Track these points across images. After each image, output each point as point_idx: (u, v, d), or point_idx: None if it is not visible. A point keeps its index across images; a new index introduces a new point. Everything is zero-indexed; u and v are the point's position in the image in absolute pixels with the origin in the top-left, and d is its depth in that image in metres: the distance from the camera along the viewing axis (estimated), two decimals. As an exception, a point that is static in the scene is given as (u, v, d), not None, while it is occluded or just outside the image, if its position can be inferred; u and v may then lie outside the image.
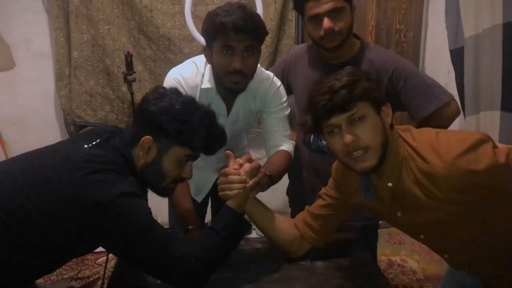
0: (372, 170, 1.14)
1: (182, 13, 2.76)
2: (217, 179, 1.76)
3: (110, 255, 2.41)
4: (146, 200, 1.28)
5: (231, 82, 1.47)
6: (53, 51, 2.94)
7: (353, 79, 1.11)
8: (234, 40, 1.40)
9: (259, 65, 1.59)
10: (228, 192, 1.29)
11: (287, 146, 1.66)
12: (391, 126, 1.19)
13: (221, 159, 1.78)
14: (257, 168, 1.34)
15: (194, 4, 2.50)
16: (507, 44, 2.04)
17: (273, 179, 1.46)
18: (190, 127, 1.18)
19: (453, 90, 2.47)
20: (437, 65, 2.86)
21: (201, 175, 1.78)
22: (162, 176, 1.23)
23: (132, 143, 1.21)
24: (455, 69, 2.43)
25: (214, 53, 1.45)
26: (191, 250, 1.20)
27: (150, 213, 1.17)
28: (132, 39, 2.91)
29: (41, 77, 2.98)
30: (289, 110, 1.69)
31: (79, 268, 2.73)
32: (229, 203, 1.30)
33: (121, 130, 1.31)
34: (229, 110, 1.62)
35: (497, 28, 2.09)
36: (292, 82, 1.78)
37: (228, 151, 1.39)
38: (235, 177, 1.30)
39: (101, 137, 1.22)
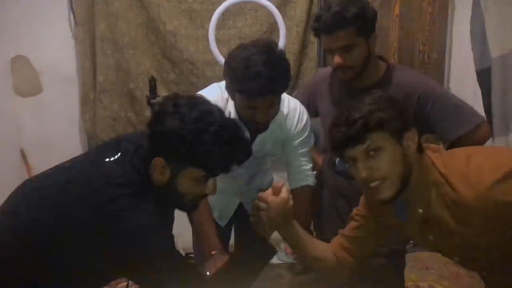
0: (390, 200, 1.12)
1: (205, 37, 2.77)
2: (240, 202, 1.80)
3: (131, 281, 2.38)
4: (170, 221, 1.25)
5: (255, 127, 1.45)
6: (79, 76, 2.99)
7: (371, 109, 1.08)
8: (258, 102, 1.37)
9: (285, 93, 1.57)
10: (251, 218, 1.25)
11: (311, 180, 1.66)
12: (420, 150, 1.15)
13: (246, 181, 1.77)
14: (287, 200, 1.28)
15: (217, 29, 2.52)
16: (536, 64, 1.99)
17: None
18: (202, 147, 1.08)
19: (480, 111, 2.41)
20: (462, 86, 2.80)
21: (224, 199, 1.76)
22: (181, 195, 1.15)
23: (146, 161, 1.14)
24: (482, 90, 2.39)
25: (237, 99, 1.41)
26: (210, 283, 1.17)
27: (170, 244, 1.14)
28: (155, 63, 2.94)
29: (67, 102, 3.02)
30: (313, 141, 1.68)
31: (101, 292, 2.70)
32: (254, 227, 1.25)
33: (138, 138, 1.21)
34: (253, 138, 1.59)
35: (525, 48, 2.05)
36: (317, 105, 1.77)
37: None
38: (263, 204, 1.24)
39: (122, 150, 1.16)
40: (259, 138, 1.60)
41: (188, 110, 1.10)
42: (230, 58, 1.40)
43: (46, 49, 2.94)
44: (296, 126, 1.62)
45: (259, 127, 1.47)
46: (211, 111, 1.13)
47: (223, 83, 1.58)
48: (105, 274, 1.19)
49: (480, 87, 2.40)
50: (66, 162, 1.23)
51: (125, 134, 1.27)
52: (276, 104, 1.43)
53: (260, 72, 1.31)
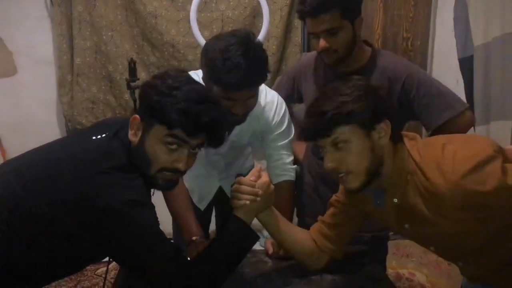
0: (358, 191, 1.13)
1: (186, 19, 2.73)
2: (220, 186, 1.78)
3: (110, 266, 2.35)
4: (153, 207, 1.23)
5: (233, 119, 1.41)
6: (55, 58, 2.93)
7: (342, 101, 1.07)
8: (235, 95, 1.33)
9: (263, 84, 1.53)
10: (235, 201, 1.24)
11: (291, 174, 1.64)
12: (399, 138, 1.14)
13: (223, 168, 1.76)
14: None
15: (198, 11, 2.47)
16: (518, 52, 2.00)
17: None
18: (169, 99, 1.05)
19: (462, 99, 2.44)
20: (445, 74, 2.82)
21: (204, 182, 1.76)
22: (148, 160, 1.09)
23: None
24: (464, 78, 2.40)
25: (214, 90, 1.35)
26: (194, 265, 1.15)
27: (156, 224, 1.11)
28: (135, 45, 2.88)
29: (43, 84, 2.96)
30: (292, 133, 1.65)
31: (78, 279, 2.67)
32: (237, 212, 1.24)
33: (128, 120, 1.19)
34: (230, 129, 1.57)
35: (508, 37, 2.06)
36: (303, 90, 1.74)
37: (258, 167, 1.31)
38: (247, 188, 1.24)
39: (111, 129, 1.14)
40: (237, 129, 1.57)
41: (174, 73, 1.11)
42: (207, 48, 1.36)
43: (21, 29, 2.87)
44: (274, 118, 1.59)
45: (237, 119, 1.43)
46: (194, 81, 1.14)
47: (200, 71, 1.54)
48: (90, 254, 1.16)
49: (463, 75, 2.41)
50: (49, 143, 1.20)
51: (110, 118, 1.23)
52: (254, 96, 1.40)
53: (238, 65, 1.27)
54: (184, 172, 1.15)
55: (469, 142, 1.10)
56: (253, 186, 1.24)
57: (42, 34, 2.89)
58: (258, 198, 1.24)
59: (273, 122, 1.59)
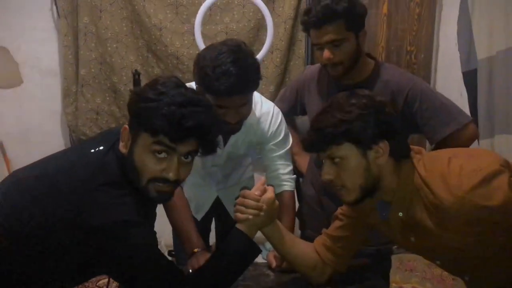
0: (355, 204, 1.15)
1: (190, 32, 2.75)
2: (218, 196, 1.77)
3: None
4: (151, 219, 1.22)
5: (227, 128, 1.41)
6: (60, 68, 2.94)
7: (343, 119, 1.08)
8: (227, 102, 1.32)
9: (259, 95, 1.54)
10: (238, 215, 1.24)
11: (289, 184, 1.63)
12: (404, 154, 1.14)
13: (221, 179, 1.76)
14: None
15: (203, 23, 2.48)
16: (522, 67, 2.00)
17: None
18: (154, 105, 0.99)
19: (465, 112, 2.43)
20: (449, 87, 2.81)
21: (200, 192, 1.75)
22: (137, 171, 1.05)
23: None
24: (468, 92, 2.40)
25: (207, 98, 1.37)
26: (196, 278, 1.14)
27: (149, 243, 1.09)
28: (140, 57, 2.90)
29: (48, 94, 2.98)
30: (290, 143, 1.65)
31: (80, 290, 2.64)
32: (240, 226, 1.23)
33: None
34: (226, 140, 1.57)
35: (512, 50, 2.06)
36: (306, 102, 1.74)
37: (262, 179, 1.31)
38: (252, 203, 1.23)
39: (109, 141, 1.12)
40: (232, 139, 1.57)
41: (163, 79, 1.06)
42: (199, 58, 1.37)
43: (27, 40, 2.90)
44: (269, 129, 1.58)
45: (232, 127, 1.43)
46: (184, 84, 1.08)
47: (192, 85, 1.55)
48: (85, 270, 1.15)
49: (466, 89, 2.41)
50: (52, 154, 1.20)
51: (112, 128, 1.19)
52: (247, 104, 1.39)
53: (227, 71, 1.27)
54: (177, 182, 1.09)
55: (475, 156, 1.09)
56: (258, 201, 1.24)
57: (48, 45, 2.92)
58: (262, 213, 1.23)
59: (269, 133, 1.58)
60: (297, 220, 1.89)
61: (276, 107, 1.62)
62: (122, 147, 1.08)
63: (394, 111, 1.14)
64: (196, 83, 1.39)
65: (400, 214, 1.14)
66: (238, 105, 1.36)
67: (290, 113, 1.78)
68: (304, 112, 1.79)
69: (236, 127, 1.44)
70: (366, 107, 1.10)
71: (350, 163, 1.10)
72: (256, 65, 1.37)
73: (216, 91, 1.29)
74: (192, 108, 1.02)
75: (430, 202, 1.07)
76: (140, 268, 1.06)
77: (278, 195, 1.58)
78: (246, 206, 1.23)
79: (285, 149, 1.63)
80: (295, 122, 1.91)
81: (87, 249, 1.03)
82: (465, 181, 1.00)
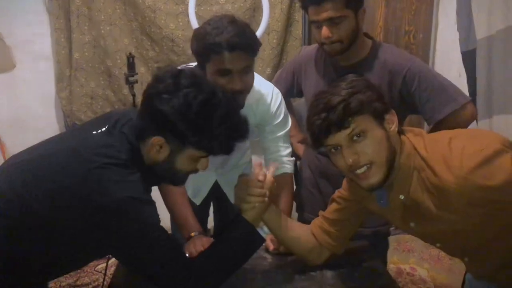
0: (378, 186, 1.09)
1: (185, 13, 2.69)
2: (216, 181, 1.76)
3: (110, 261, 2.34)
4: (154, 203, 1.23)
5: None
6: (53, 52, 2.89)
7: (350, 92, 1.05)
8: (229, 61, 1.31)
9: (258, 75, 1.52)
10: (244, 205, 1.22)
11: (288, 167, 1.61)
12: (400, 132, 1.12)
13: (220, 163, 1.73)
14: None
15: (198, 4, 2.44)
16: (522, 46, 1.97)
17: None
18: (208, 132, 1.06)
19: (464, 93, 2.41)
20: (447, 67, 2.79)
21: (199, 176, 1.71)
22: (175, 173, 1.14)
23: (140, 136, 1.10)
24: (466, 72, 2.37)
25: (209, 74, 1.35)
26: (198, 264, 1.13)
27: (156, 221, 1.09)
28: (134, 40, 2.85)
29: (41, 78, 2.93)
30: (290, 124, 1.63)
31: (78, 275, 2.65)
32: (246, 215, 1.21)
33: (129, 113, 1.18)
34: None
35: (511, 30, 2.02)
36: (303, 84, 1.72)
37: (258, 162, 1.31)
38: (257, 190, 1.22)
39: (110, 123, 1.13)
40: None
41: (193, 91, 1.05)
42: (195, 31, 1.39)
43: (19, 24, 2.83)
44: (269, 110, 1.56)
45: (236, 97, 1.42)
46: (215, 92, 1.09)
47: (192, 65, 1.52)
48: (89, 251, 1.15)
49: (465, 69, 2.38)
50: (50, 138, 1.20)
51: (112, 111, 1.21)
52: (249, 70, 1.38)
53: (227, 29, 1.30)
54: None
55: (477, 137, 1.08)
56: (261, 187, 1.22)
57: (40, 28, 2.86)
58: (266, 199, 1.22)
59: (269, 114, 1.56)
60: (294, 202, 1.89)
61: (275, 88, 1.61)
62: (155, 153, 1.10)
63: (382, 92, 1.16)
64: (195, 55, 1.38)
65: (401, 197, 1.12)
66: (241, 67, 1.34)
67: (287, 95, 1.76)
68: (300, 94, 1.77)
69: (241, 100, 1.41)
70: (365, 82, 1.10)
71: (373, 135, 1.06)
72: (253, 32, 1.39)
73: (218, 45, 1.29)
74: (238, 127, 1.12)
75: (432, 183, 1.05)
76: (146, 247, 1.06)
77: (277, 177, 1.57)
78: (251, 194, 1.21)
79: (285, 130, 1.61)
80: (291, 104, 1.89)
81: (93, 228, 1.03)
82: (466, 161, 0.99)
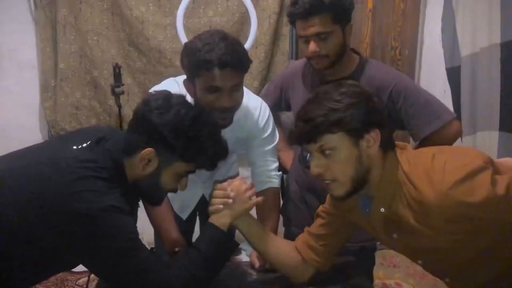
0: (342, 199, 1.12)
1: (173, 25, 2.69)
2: (203, 195, 1.75)
3: (92, 276, 2.29)
4: (135, 216, 1.22)
5: (219, 119, 1.38)
6: (39, 62, 2.87)
7: (331, 108, 1.05)
8: (220, 78, 1.31)
9: (246, 89, 1.51)
10: (210, 207, 1.25)
11: (275, 181, 1.60)
12: (390, 146, 1.12)
13: (207, 177, 1.70)
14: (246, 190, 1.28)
15: (186, 17, 2.44)
16: (505, 63, 2.01)
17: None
18: (198, 145, 1.12)
19: (449, 109, 2.44)
20: (433, 83, 2.82)
21: (186, 191, 1.69)
22: (158, 188, 1.17)
23: (127, 150, 1.13)
24: (451, 88, 2.41)
25: (198, 89, 1.36)
26: (173, 272, 1.13)
27: (136, 232, 1.10)
28: (121, 50, 2.84)
29: (26, 88, 2.90)
30: (277, 138, 1.63)
31: (59, 289, 2.59)
32: (211, 218, 1.24)
33: (115, 132, 1.22)
34: None
35: (495, 47, 2.06)
36: (291, 98, 1.72)
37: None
38: (219, 192, 1.25)
39: (92, 139, 1.14)
40: None
41: (184, 108, 1.12)
42: (186, 44, 1.39)
43: (4, 33, 2.83)
44: (258, 124, 1.56)
45: (223, 119, 1.40)
46: (203, 110, 1.19)
47: (180, 78, 1.52)
48: (66, 260, 1.13)
49: (450, 85, 2.42)
50: (26, 148, 1.19)
51: (91, 126, 1.24)
52: (239, 88, 1.38)
53: (218, 45, 1.30)
54: None
55: (459, 153, 1.09)
56: (225, 189, 1.24)
57: (26, 37, 2.84)
58: (230, 200, 1.23)
59: (257, 128, 1.56)
60: (281, 217, 1.88)
61: (263, 102, 1.60)
62: (143, 166, 1.12)
63: (380, 102, 1.15)
64: (185, 70, 1.38)
65: (382, 209, 1.12)
66: (231, 84, 1.34)
67: (275, 108, 1.76)
68: (288, 108, 1.77)
69: (227, 118, 1.42)
70: (356, 95, 1.08)
71: (342, 154, 1.07)
72: (244, 49, 1.39)
73: (209, 62, 1.29)
74: (223, 145, 1.19)
75: (412, 198, 1.05)
76: (122, 256, 1.05)
77: (264, 192, 1.57)
78: (215, 197, 1.24)
79: (273, 145, 1.61)
80: (279, 118, 1.89)
81: (71, 235, 1.02)
82: (448, 176, 1.00)
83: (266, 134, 1.58)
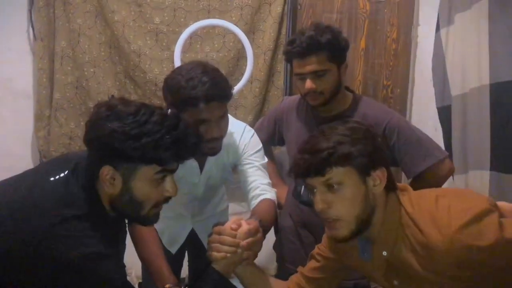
0: (344, 241, 1.07)
1: (170, 59, 2.74)
2: (193, 229, 1.71)
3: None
4: (122, 246, 1.19)
5: (209, 148, 1.40)
6: (34, 91, 2.87)
7: (340, 141, 1.03)
8: (206, 112, 1.32)
9: (229, 116, 1.51)
10: (214, 253, 1.18)
11: (270, 194, 1.53)
12: (393, 188, 1.10)
13: (197, 210, 1.71)
14: (256, 230, 1.23)
15: (183, 51, 2.48)
16: (494, 104, 2.05)
17: (264, 229, 1.33)
18: (149, 138, 0.98)
19: (441, 148, 2.47)
20: (424, 121, 2.86)
21: (175, 224, 1.70)
22: (139, 204, 1.06)
23: (92, 175, 1.05)
24: (442, 127, 2.44)
25: (184, 119, 1.36)
26: None
27: (120, 273, 1.07)
28: (117, 83, 2.86)
29: (20, 117, 2.88)
30: (266, 159, 1.61)
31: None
32: (216, 265, 1.18)
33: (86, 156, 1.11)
34: (201, 167, 1.55)
35: (485, 88, 2.11)
36: (284, 133, 1.74)
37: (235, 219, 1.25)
38: (228, 239, 1.18)
39: (69, 167, 1.07)
40: (207, 165, 1.55)
41: (123, 107, 1.01)
42: (167, 80, 1.37)
43: (1, 61, 2.82)
44: (240, 143, 1.56)
45: (215, 151, 1.41)
46: (147, 104, 1.06)
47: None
48: None
49: (441, 124, 2.45)
50: (7, 179, 1.13)
51: (73, 152, 1.18)
52: (225, 116, 1.40)
53: (201, 80, 1.30)
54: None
55: (463, 196, 1.07)
56: (234, 236, 1.17)
57: (23, 67, 2.85)
58: (239, 250, 1.17)
59: (242, 148, 1.56)
60: (274, 253, 1.86)
61: (248, 126, 1.61)
62: (109, 187, 1.04)
63: (382, 144, 1.12)
64: (171, 105, 1.36)
65: (384, 253, 1.09)
66: (217, 116, 1.35)
67: (268, 143, 1.77)
68: (281, 143, 1.79)
69: (217, 147, 1.42)
70: (363, 132, 1.07)
71: (349, 190, 1.03)
72: (224, 77, 1.40)
73: (194, 98, 1.29)
74: (185, 129, 1.04)
75: (417, 241, 1.02)
76: None
77: (259, 204, 1.50)
78: (222, 243, 1.17)
79: (262, 162, 1.59)
80: (272, 152, 1.90)
81: (53, 282, 0.98)
82: (454, 220, 0.98)
83: (252, 152, 1.57)
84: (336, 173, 1.02)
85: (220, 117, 1.37)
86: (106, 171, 1.02)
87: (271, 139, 1.80)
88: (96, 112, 1.03)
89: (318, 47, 1.47)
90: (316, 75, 1.49)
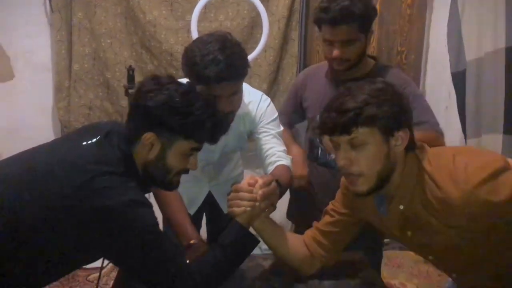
0: (364, 195, 1.12)
1: (185, 29, 2.77)
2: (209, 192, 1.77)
3: (103, 271, 2.33)
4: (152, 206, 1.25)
5: None
6: (53, 63, 2.92)
7: (366, 102, 1.05)
8: (218, 90, 1.34)
9: (247, 86, 1.55)
10: (235, 209, 1.25)
11: (286, 161, 1.57)
12: (412, 148, 1.13)
13: (213, 175, 1.77)
14: (271, 181, 1.29)
15: (197, 20, 2.50)
16: (510, 68, 2.06)
17: (281, 188, 1.38)
18: (194, 119, 1.13)
19: (454, 113, 2.49)
20: (438, 88, 2.87)
21: (193, 187, 1.75)
22: (167, 171, 1.18)
23: (131, 140, 1.15)
24: (456, 92, 2.45)
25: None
26: (196, 266, 1.16)
27: (157, 224, 1.13)
28: (134, 53, 2.90)
29: (40, 89, 2.95)
30: (282, 128, 1.64)
31: (70, 285, 2.64)
32: (238, 218, 1.25)
33: (118, 125, 1.22)
34: None
35: (500, 52, 2.12)
36: (303, 100, 1.78)
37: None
38: (246, 195, 1.25)
39: (100, 133, 1.15)
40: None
41: (174, 86, 1.15)
42: (187, 50, 1.39)
43: (19, 35, 2.86)
44: (257, 112, 1.59)
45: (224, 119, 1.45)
46: (194, 88, 1.21)
47: (183, 81, 1.56)
48: (85, 255, 1.16)
49: (455, 89, 2.46)
50: (36, 147, 1.20)
51: (96, 122, 1.25)
52: (237, 92, 1.42)
53: (216, 59, 1.30)
54: None
55: (480, 154, 1.12)
56: (251, 192, 1.24)
57: (41, 39, 2.89)
58: (257, 203, 1.24)
59: (259, 117, 1.59)
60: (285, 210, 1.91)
61: (264, 95, 1.63)
62: (147, 152, 1.15)
63: (408, 105, 1.14)
64: (186, 76, 1.40)
65: (401, 207, 1.14)
66: (229, 93, 1.37)
67: (296, 118, 1.82)
68: (303, 117, 1.82)
69: (230, 119, 1.44)
70: (390, 93, 1.09)
71: (372, 149, 1.06)
72: (243, 54, 1.40)
73: (206, 78, 1.31)
74: (220, 116, 1.22)
75: (434, 197, 1.06)
76: (145, 249, 1.08)
77: (274, 169, 1.54)
78: (241, 199, 1.24)
79: (277, 131, 1.62)
80: (297, 134, 1.93)
81: (92, 232, 1.04)
82: (471, 177, 1.01)
83: (269, 119, 1.60)
84: (361, 133, 1.05)
85: (232, 93, 1.39)
86: (149, 137, 1.13)
87: (298, 112, 1.82)
88: (144, 83, 1.17)
89: (350, 17, 1.49)
90: (346, 43, 1.52)
